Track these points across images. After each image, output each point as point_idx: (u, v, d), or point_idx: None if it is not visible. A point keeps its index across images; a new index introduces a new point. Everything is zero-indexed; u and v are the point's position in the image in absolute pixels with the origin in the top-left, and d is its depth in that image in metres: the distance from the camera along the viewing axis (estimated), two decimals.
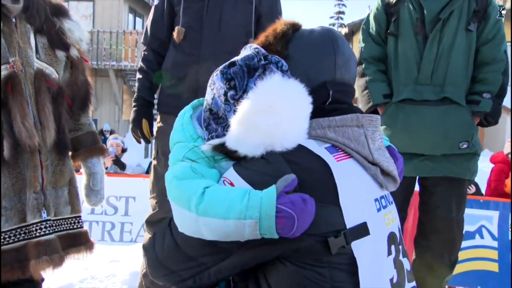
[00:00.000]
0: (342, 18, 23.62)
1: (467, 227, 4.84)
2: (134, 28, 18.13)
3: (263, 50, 1.27)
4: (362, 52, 2.69)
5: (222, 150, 1.23)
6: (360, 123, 1.26)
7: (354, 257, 1.15)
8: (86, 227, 2.04)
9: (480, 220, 4.91)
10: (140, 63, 2.70)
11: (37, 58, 1.84)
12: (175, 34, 2.54)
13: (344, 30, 22.01)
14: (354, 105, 1.35)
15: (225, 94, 1.24)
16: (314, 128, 1.25)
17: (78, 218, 1.98)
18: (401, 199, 2.59)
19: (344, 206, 1.16)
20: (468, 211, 4.78)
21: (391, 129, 2.56)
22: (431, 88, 2.50)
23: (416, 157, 2.54)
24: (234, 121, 1.20)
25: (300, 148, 1.20)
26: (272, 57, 1.26)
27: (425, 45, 2.50)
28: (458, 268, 4.76)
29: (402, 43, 2.56)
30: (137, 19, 19.48)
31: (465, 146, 2.50)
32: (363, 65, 2.67)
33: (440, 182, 2.56)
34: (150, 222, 2.63)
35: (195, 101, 1.42)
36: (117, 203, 5.99)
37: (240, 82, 1.24)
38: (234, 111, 1.21)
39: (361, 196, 1.22)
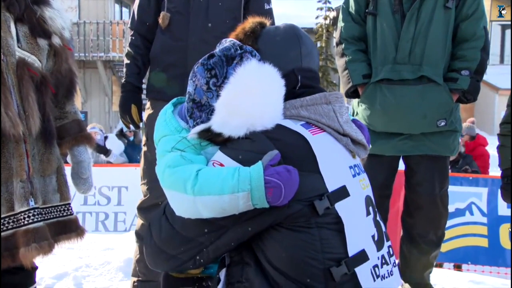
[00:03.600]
0: (329, 2, 23.36)
1: (457, 204, 4.91)
2: (121, 19, 17.98)
3: (238, 42, 1.42)
4: (342, 32, 2.67)
5: (207, 135, 1.34)
6: (328, 100, 1.42)
7: (339, 216, 1.29)
8: (79, 218, 2.05)
9: (469, 197, 4.98)
10: (127, 48, 2.66)
11: (18, 47, 1.83)
12: (160, 19, 2.51)
13: (332, 14, 21.88)
14: (320, 86, 1.51)
15: (207, 83, 1.36)
16: (289, 109, 1.39)
17: (67, 206, 1.99)
18: (384, 177, 2.64)
19: (324, 173, 1.30)
20: (457, 189, 4.87)
21: (370, 109, 2.57)
22: (409, 67, 2.50)
23: (396, 136, 2.56)
24: (218, 104, 1.32)
25: (279, 126, 1.33)
26: (246, 47, 1.41)
27: (403, 24, 2.49)
28: (449, 245, 4.85)
29: (381, 23, 2.54)
30: (124, 9, 19.29)
31: (443, 123, 2.51)
32: (343, 45, 2.65)
33: (421, 160, 2.59)
34: (142, 209, 2.64)
35: (175, 99, 1.54)
36: (109, 193, 6.00)
37: (220, 70, 1.36)
38: (217, 96, 1.34)
39: (337, 164, 1.36)
